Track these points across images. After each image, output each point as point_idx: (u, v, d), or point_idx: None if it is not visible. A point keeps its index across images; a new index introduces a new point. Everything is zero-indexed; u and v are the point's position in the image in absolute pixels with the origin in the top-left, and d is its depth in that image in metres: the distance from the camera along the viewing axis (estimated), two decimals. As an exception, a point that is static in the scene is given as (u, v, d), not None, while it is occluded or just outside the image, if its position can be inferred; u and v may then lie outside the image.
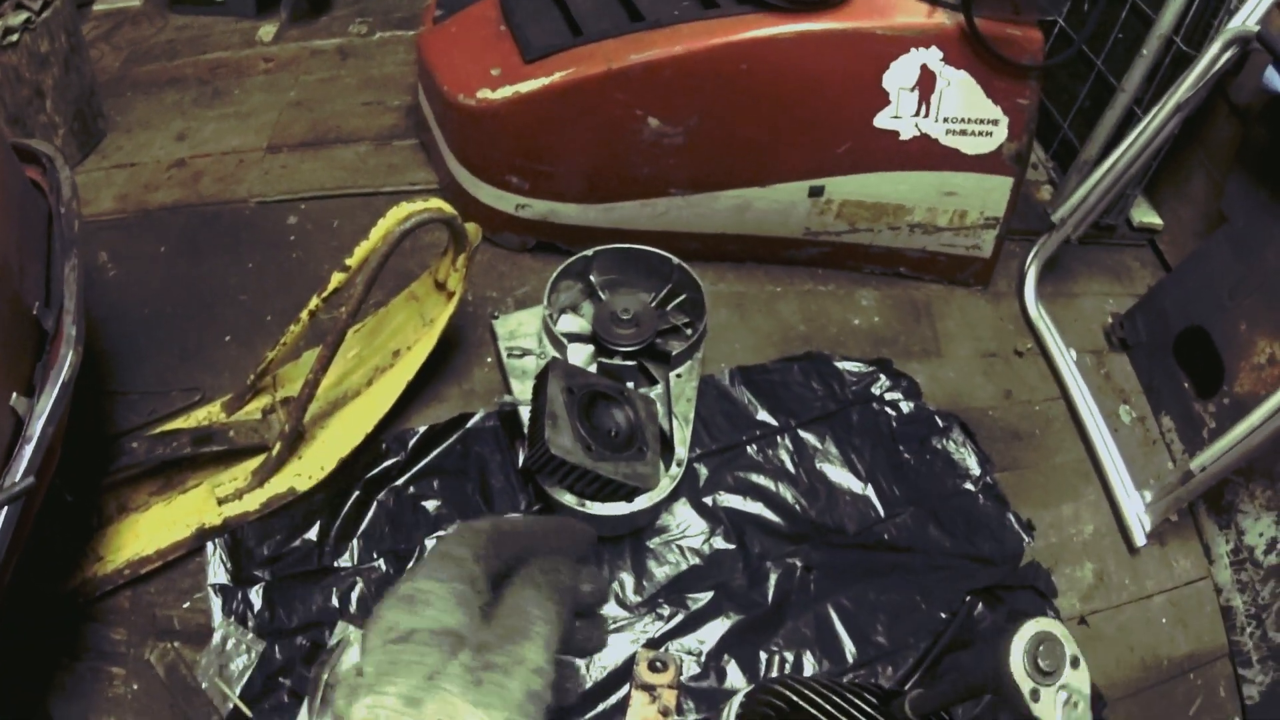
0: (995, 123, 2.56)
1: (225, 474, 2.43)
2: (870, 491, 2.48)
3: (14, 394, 1.82)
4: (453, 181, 2.85)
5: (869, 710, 1.50)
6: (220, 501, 2.36)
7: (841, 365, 2.69)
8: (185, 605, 2.27)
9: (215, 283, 2.83)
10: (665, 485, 2.24)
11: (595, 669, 2.18)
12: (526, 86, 2.50)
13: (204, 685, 2.17)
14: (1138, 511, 2.52)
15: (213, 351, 2.68)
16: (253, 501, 2.37)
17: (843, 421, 2.59)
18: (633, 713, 2.11)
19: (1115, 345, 2.88)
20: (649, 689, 2.15)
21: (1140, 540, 2.50)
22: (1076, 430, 2.69)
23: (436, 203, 2.17)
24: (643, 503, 2.20)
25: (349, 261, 2.14)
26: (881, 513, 2.45)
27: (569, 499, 2.19)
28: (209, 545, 2.33)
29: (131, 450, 2.38)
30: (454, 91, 2.60)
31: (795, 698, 1.54)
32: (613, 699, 2.16)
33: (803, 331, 2.79)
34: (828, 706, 1.51)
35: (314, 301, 2.23)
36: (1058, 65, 2.71)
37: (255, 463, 2.41)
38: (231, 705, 2.14)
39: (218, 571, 2.30)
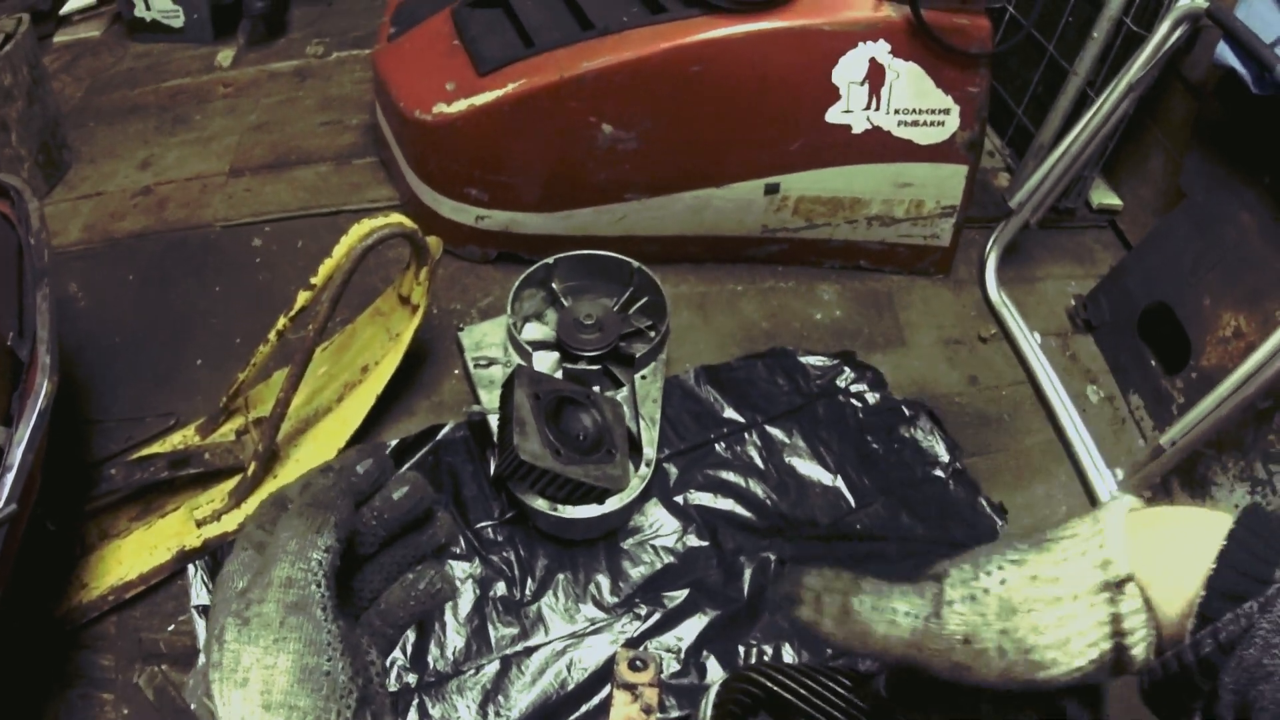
0: (946, 112, 2.57)
1: (203, 496, 2.45)
2: (840, 483, 2.49)
3: None
4: (413, 197, 2.87)
5: (843, 692, 1.52)
6: (199, 524, 2.37)
7: (805, 360, 2.70)
8: (170, 628, 2.28)
9: (184, 308, 2.85)
10: (635, 485, 2.25)
11: (577, 670, 2.20)
12: (481, 99, 2.52)
13: (193, 706, 2.13)
14: (1110, 490, 2.53)
15: (185, 376, 2.70)
16: (231, 522, 2.38)
17: (809, 415, 2.60)
18: (615, 712, 2.12)
19: (1079, 326, 2.90)
20: (630, 688, 2.15)
21: None
22: (1045, 412, 2.70)
23: (397, 218, 2.19)
24: (614, 504, 2.22)
25: (314, 280, 2.16)
26: (853, 503, 2.46)
27: (541, 503, 2.20)
28: (190, 567, 2.34)
29: (110, 477, 2.41)
30: (410, 107, 2.62)
31: (770, 684, 1.55)
32: (594, 700, 2.17)
33: (766, 328, 2.80)
34: (802, 690, 1.52)
35: (281, 321, 2.25)
36: (1009, 52, 2.74)
37: (232, 484, 2.42)
38: None
39: (200, 593, 2.31)
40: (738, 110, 2.54)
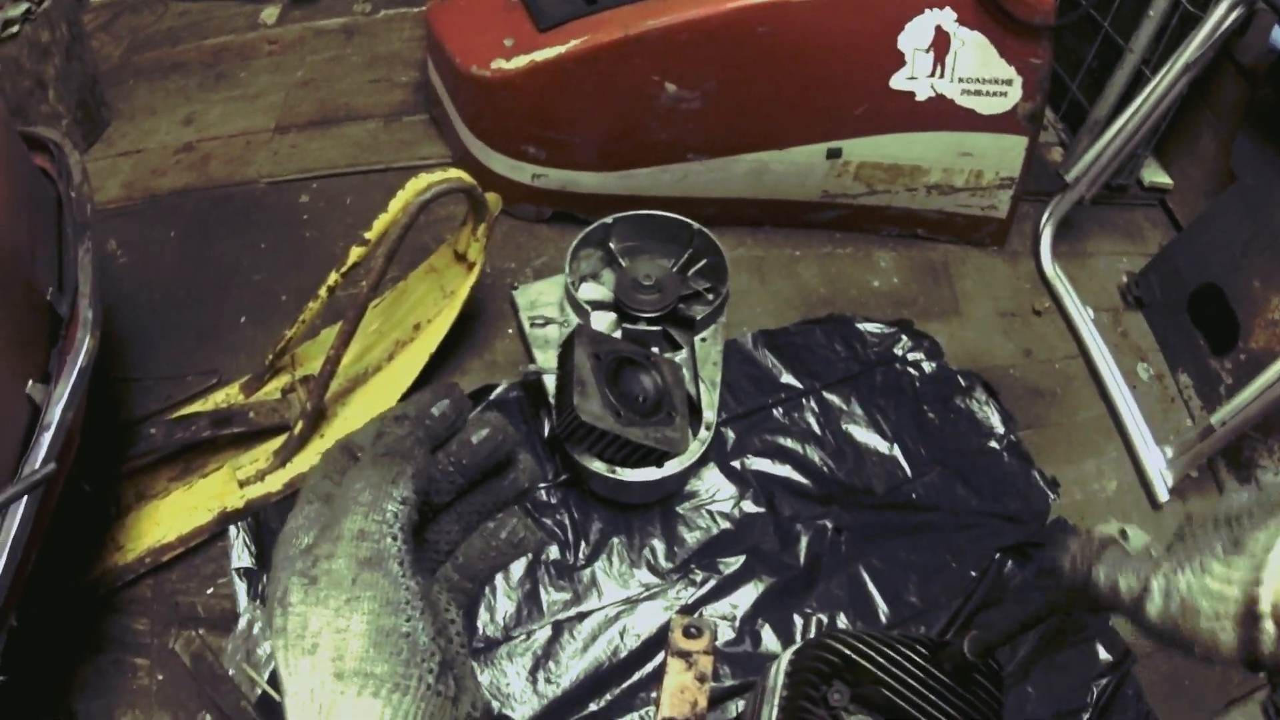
0: (1009, 83, 2.54)
1: (246, 456, 2.40)
2: (897, 451, 2.47)
3: (30, 381, 1.79)
4: (467, 154, 2.82)
5: (919, 660, 1.50)
6: (242, 484, 2.33)
7: (863, 327, 2.67)
8: (209, 591, 2.25)
9: (228, 265, 2.79)
10: (695, 449, 2.21)
11: (630, 637, 2.17)
12: (542, 55, 2.48)
13: (231, 672, 2.14)
14: (1159, 468, 2.52)
15: (228, 333, 2.65)
16: (275, 482, 2.33)
17: (867, 382, 2.57)
18: (669, 680, 2.09)
19: (1131, 304, 2.88)
20: (685, 655, 2.12)
21: (1163, 496, 2.49)
22: (1096, 388, 2.68)
23: (456, 173, 2.14)
24: (672, 467, 2.17)
25: (368, 235, 2.11)
26: (909, 472, 2.44)
27: (599, 465, 2.16)
28: (231, 529, 2.30)
29: (150, 436, 2.35)
30: (467, 63, 2.57)
31: (849, 651, 1.53)
32: (648, 667, 2.15)
33: (823, 294, 2.77)
34: (879, 659, 1.50)
35: (332, 277, 2.20)
36: (1065, 27, 2.72)
37: (277, 443, 2.37)
38: (260, 691, 2.11)
39: (242, 555, 2.27)
40: (802, 73, 2.50)
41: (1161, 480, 2.51)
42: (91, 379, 1.88)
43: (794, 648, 1.70)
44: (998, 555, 2.31)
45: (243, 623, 2.18)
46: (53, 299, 1.91)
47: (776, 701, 1.64)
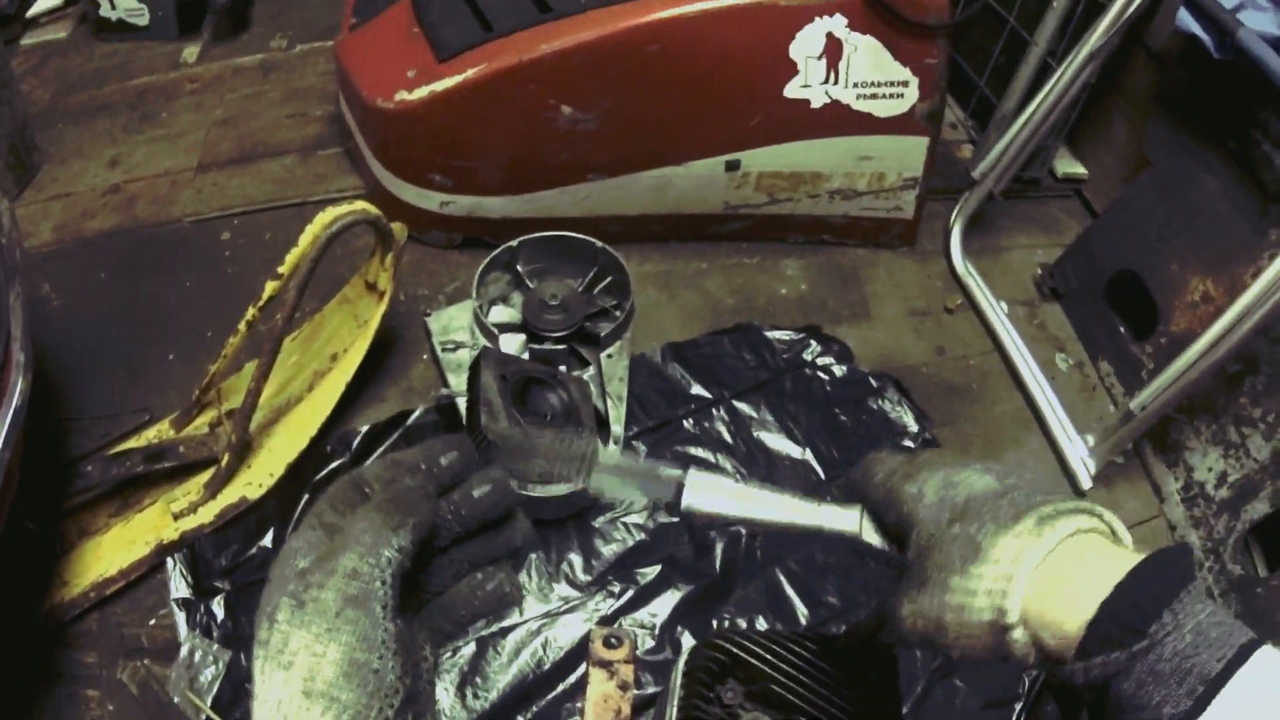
0: (905, 84, 2.55)
1: (180, 489, 2.42)
2: (809, 455, 2.47)
3: None
4: (378, 185, 2.84)
5: (808, 655, 1.52)
6: (176, 516, 2.35)
7: (771, 334, 2.68)
8: (152, 622, 2.27)
9: (155, 304, 2.82)
10: None
11: (552, 650, 2.18)
12: (442, 85, 2.49)
13: (176, 699, 2.16)
14: (1081, 456, 2.52)
15: (158, 371, 2.67)
16: (207, 514, 2.36)
17: (776, 389, 2.58)
18: (592, 690, 2.09)
19: (1046, 295, 2.89)
20: (606, 665, 2.13)
21: (1086, 484, 2.49)
22: (1013, 381, 2.68)
23: (361, 204, 2.17)
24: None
25: (281, 270, 2.14)
26: (822, 475, 2.45)
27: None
28: (169, 561, 2.32)
29: (87, 473, 2.39)
30: (372, 95, 2.59)
31: (737, 650, 1.55)
32: (571, 678, 2.16)
33: (731, 305, 2.78)
34: (768, 655, 1.52)
35: (250, 312, 2.22)
36: (970, 24, 2.73)
37: (207, 476, 2.39)
38: (205, 717, 2.13)
39: (179, 586, 2.30)
40: (696, 88, 2.51)
41: (1084, 468, 2.51)
42: (27, 419, 1.90)
43: (689, 647, 1.73)
44: None
45: (184, 651, 2.19)
46: None
47: (675, 703, 1.67)
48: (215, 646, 2.21)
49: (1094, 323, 2.78)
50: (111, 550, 2.32)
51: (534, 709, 2.15)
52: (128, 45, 3.71)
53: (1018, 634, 0.78)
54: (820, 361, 2.65)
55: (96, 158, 3.26)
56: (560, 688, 2.17)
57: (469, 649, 2.20)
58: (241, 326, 2.26)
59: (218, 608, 2.28)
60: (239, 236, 2.96)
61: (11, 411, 1.84)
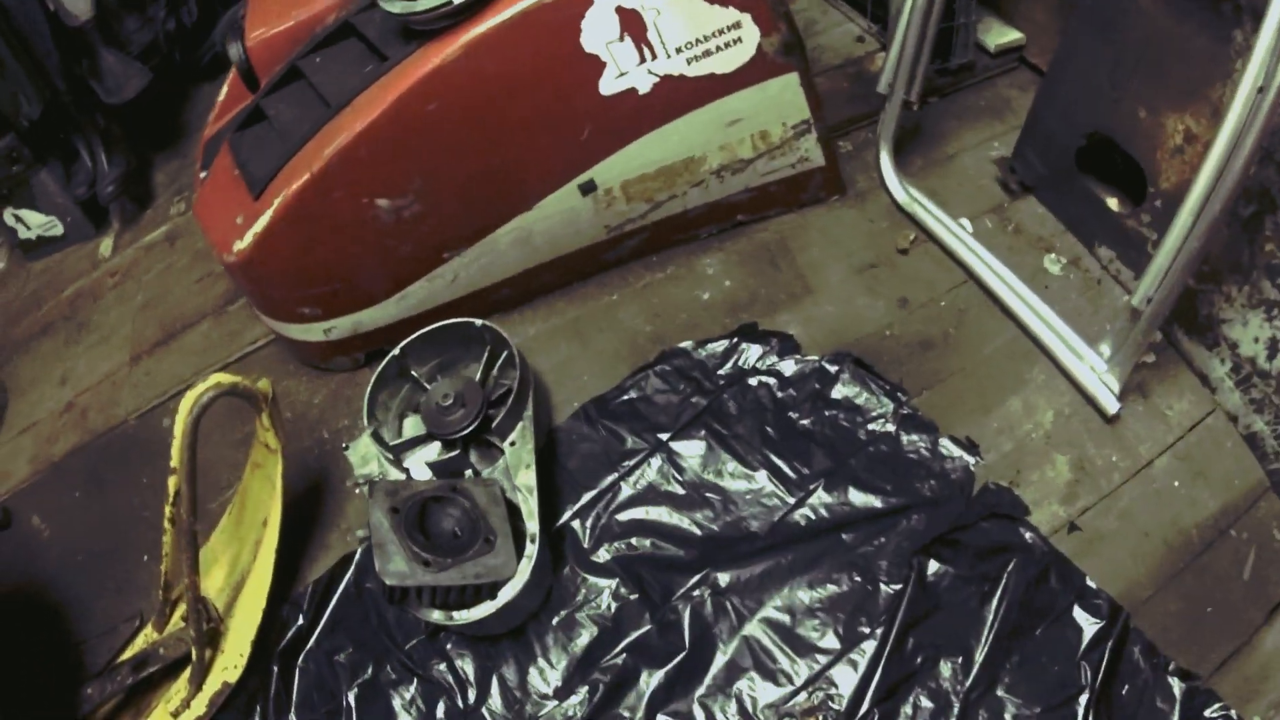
0: (737, 25, 2.13)
1: (174, 687, 2.40)
2: (767, 479, 2.10)
3: None
4: (269, 329, 2.70)
5: None
6: (174, 715, 2.32)
7: (700, 352, 2.31)
8: None
9: (123, 508, 2.78)
10: (525, 565, 1.99)
11: None
12: (260, 224, 2.28)
13: None
14: (1099, 371, 2.06)
15: (138, 574, 2.63)
16: (198, 707, 2.32)
17: (717, 413, 2.21)
18: None
19: (1015, 191, 2.38)
20: None
21: (1112, 405, 2.04)
22: (998, 309, 2.23)
23: (215, 379, 2.11)
24: (509, 593, 1.97)
25: (172, 463, 2.11)
26: (789, 499, 2.07)
27: (437, 615, 2.01)
28: None
29: (89, 697, 2.41)
30: (220, 251, 2.38)
31: None
32: None
33: (650, 331, 2.42)
34: None
35: (167, 510, 2.20)
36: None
37: (190, 670, 2.36)
38: None
39: None
40: (502, 127, 2.18)
41: (1105, 386, 2.05)
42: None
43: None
44: (915, 560, 1.92)
45: None
46: None
47: None
48: None
49: (1076, 205, 2.29)
50: None
51: None
52: (56, 256, 3.72)
53: None
54: (762, 365, 2.26)
55: (48, 380, 3.27)
56: None
57: None
58: (165, 524, 2.23)
59: None
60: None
61: None
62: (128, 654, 2.52)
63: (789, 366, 2.24)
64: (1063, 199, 2.32)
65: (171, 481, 2.15)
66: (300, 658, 2.33)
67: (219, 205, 2.47)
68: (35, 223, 3.67)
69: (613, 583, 2.09)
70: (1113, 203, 2.21)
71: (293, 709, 2.29)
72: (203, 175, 2.63)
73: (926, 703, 1.80)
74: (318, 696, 2.29)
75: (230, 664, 2.34)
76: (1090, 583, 1.88)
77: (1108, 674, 1.79)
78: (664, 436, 2.22)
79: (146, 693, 2.47)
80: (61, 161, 3.61)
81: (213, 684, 2.33)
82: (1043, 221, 2.33)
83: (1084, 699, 1.76)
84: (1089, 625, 1.84)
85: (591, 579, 2.11)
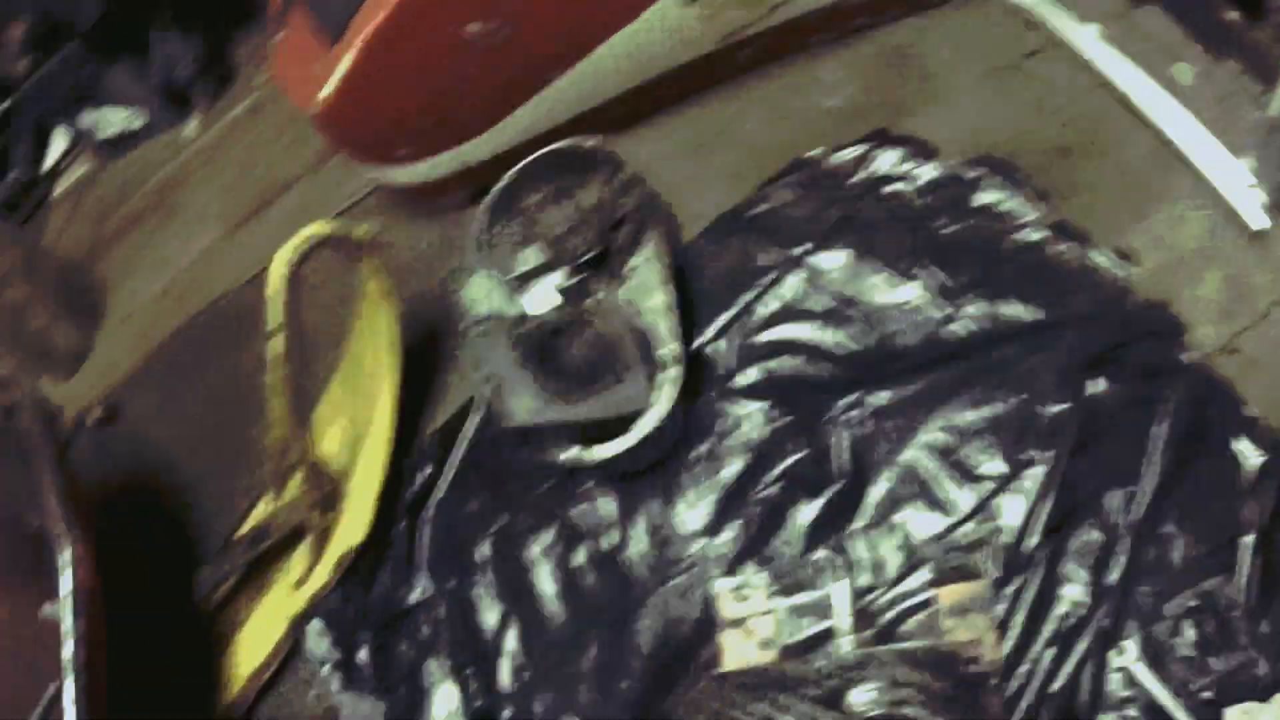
0: None
1: (294, 558, 2.40)
2: (917, 292, 2.00)
3: (45, 605, 1.92)
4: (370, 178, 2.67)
5: None
6: (297, 586, 2.33)
7: (833, 160, 2.21)
8: (314, 693, 2.25)
9: (229, 382, 2.78)
10: (665, 392, 1.92)
11: (682, 622, 1.92)
12: (342, 68, 2.31)
13: None
14: (1245, 183, 1.96)
15: (249, 449, 2.57)
16: (323, 573, 2.31)
17: (856, 224, 2.12)
18: (729, 656, 1.78)
19: (1138, -1, 2.29)
20: (739, 623, 1.81)
21: (1261, 219, 1.93)
22: (1133, 117, 2.11)
23: (310, 229, 2.10)
24: (646, 425, 1.92)
25: (268, 326, 2.09)
26: (940, 312, 1.97)
27: (571, 453, 1.96)
28: (306, 630, 2.28)
29: (205, 579, 2.45)
30: (303, 106, 2.43)
31: None
32: (708, 649, 1.86)
33: (775, 142, 2.32)
34: None
35: (271, 375, 2.17)
36: None
37: (312, 537, 2.35)
38: None
39: (321, 649, 2.23)
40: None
41: (1252, 199, 1.94)
42: (97, 578, 1.97)
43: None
44: (1076, 378, 1.82)
45: (343, 714, 2.17)
46: (37, 525, 2.01)
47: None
48: (369, 701, 2.16)
49: (1202, 12, 2.16)
50: (254, 639, 2.36)
51: (679, 689, 1.87)
52: (139, 152, 3.78)
53: None
54: (898, 171, 2.15)
55: (143, 269, 3.37)
56: (702, 658, 1.87)
57: (597, 642, 1.98)
58: (271, 390, 2.20)
59: (363, 659, 2.19)
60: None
61: (69, 582, 1.93)
62: (243, 529, 2.51)
63: (926, 172, 2.14)
64: (1187, 8, 2.22)
65: (272, 344, 2.09)
66: (429, 510, 2.28)
67: (298, 60, 2.52)
68: (115, 120, 3.74)
69: (760, 407, 2.02)
70: (1234, 15, 2.12)
71: (423, 566, 2.24)
72: (279, 33, 2.62)
73: (1095, 535, 1.70)
74: (449, 550, 2.23)
75: (354, 524, 2.30)
76: (1251, 411, 1.75)
77: (1275, 513, 1.65)
78: (800, 250, 2.12)
79: (265, 568, 2.46)
80: (134, 55, 3.64)
81: (335, 549, 2.30)
82: (1169, 29, 2.21)
83: (1248, 539, 1.61)
84: (1253, 457, 1.69)
85: (735, 405, 2.05)
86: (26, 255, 3.24)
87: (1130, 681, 1.58)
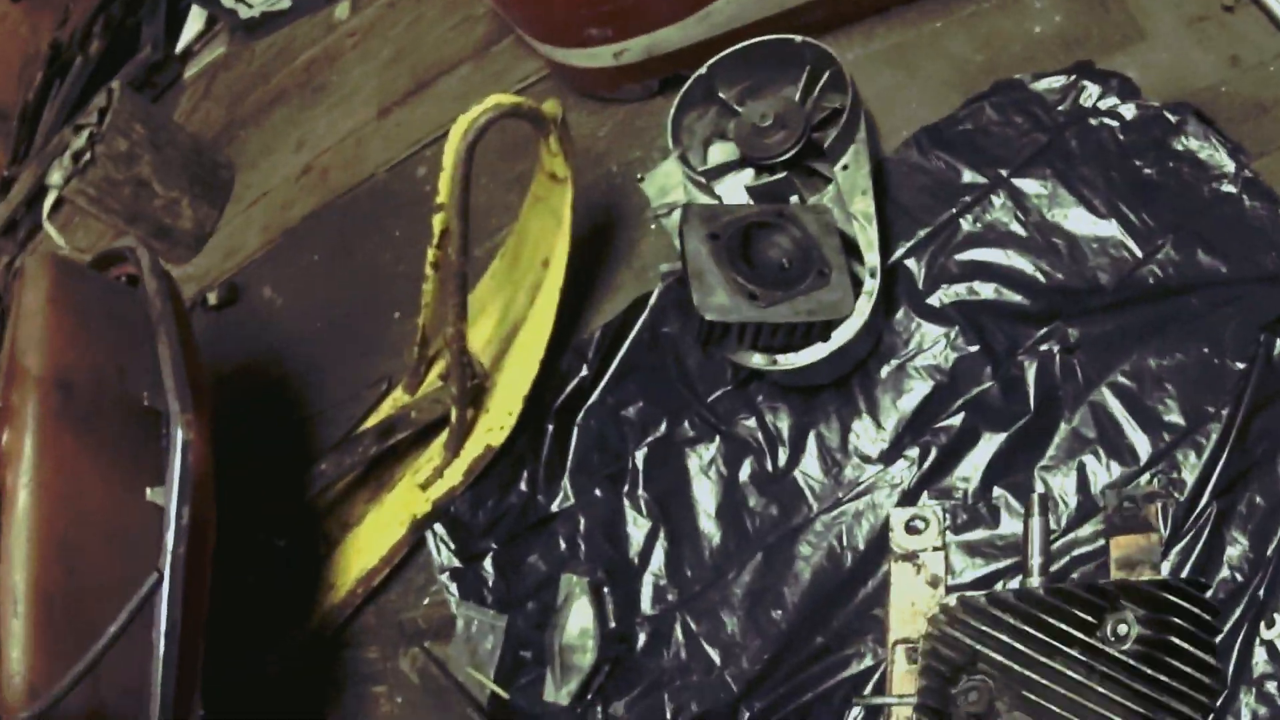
0: None
1: (424, 456, 2.33)
2: (1117, 229, 1.95)
3: (149, 488, 1.81)
4: (550, 60, 2.54)
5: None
6: (424, 487, 2.26)
7: (1038, 86, 2.13)
8: (426, 602, 2.24)
9: (370, 267, 2.76)
10: (864, 303, 1.85)
11: (848, 548, 1.89)
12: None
13: (460, 679, 2.10)
14: None
15: (387, 335, 2.60)
16: (454, 475, 2.24)
17: (1060, 152, 2.05)
18: (896, 592, 1.79)
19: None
20: (910, 558, 1.80)
21: None
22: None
23: (494, 99, 1.96)
24: (845, 333, 1.84)
25: (439, 200, 1.99)
26: (1138, 252, 1.93)
27: (758, 359, 1.87)
28: (428, 535, 2.25)
29: (322, 473, 2.37)
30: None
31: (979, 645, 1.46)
32: (876, 578, 1.84)
33: (980, 62, 2.25)
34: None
35: (430, 253, 2.08)
36: None
37: (446, 435, 2.26)
38: (489, 692, 2.07)
39: (444, 556, 2.22)
40: None
41: None
42: (210, 457, 1.86)
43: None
44: (1262, 336, 1.76)
45: (459, 625, 2.13)
46: (151, 402, 1.92)
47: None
48: (490, 614, 2.14)
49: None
50: (369, 539, 2.31)
51: (834, 625, 1.86)
52: (283, 33, 3.69)
53: None
54: (1102, 105, 2.08)
55: (282, 148, 3.33)
56: (862, 593, 1.86)
57: (754, 564, 1.94)
58: (428, 269, 2.13)
59: (486, 570, 2.18)
60: (434, 169, 2.71)
61: (177, 467, 1.78)
62: (370, 422, 2.45)
63: (1130, 110, 2.06)
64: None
65: (438, 220, 1.99)
66: (581, 414, 2.21)
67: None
68: (259, 1, 3.61)
69: (951, 330, 1.97)
70: None
71: (566, 474, 2.18)
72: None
73: (1262, 501, 1.65)
74: (598, 458, 2.17)
75: (496, 424, 2.23)
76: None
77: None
78: (1005, 172, 2.07)
79: (390, 464, 2.40)
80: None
81: (473, 448, 2.23)
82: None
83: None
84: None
85: (927, 325, 2.00)
86: (155, 130, 3.13)
87: (1275, 655, 1.55)
